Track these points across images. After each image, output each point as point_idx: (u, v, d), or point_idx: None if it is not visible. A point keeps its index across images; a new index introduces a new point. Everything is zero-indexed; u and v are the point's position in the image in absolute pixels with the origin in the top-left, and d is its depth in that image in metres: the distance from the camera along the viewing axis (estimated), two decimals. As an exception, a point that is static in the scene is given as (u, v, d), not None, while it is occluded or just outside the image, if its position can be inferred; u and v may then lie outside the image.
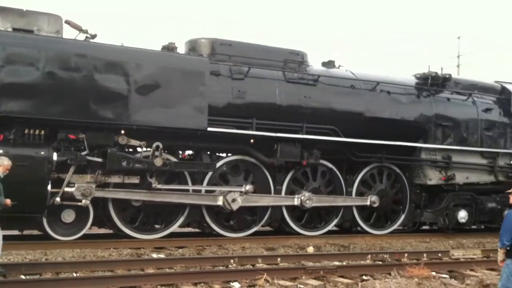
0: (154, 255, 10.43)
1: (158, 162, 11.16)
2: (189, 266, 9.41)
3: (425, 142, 14.47)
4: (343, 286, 8.53)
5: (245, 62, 12.54)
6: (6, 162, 8.41)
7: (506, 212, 6.92)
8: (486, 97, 15.75)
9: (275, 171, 12.93)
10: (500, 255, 6.81)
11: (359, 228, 14.10)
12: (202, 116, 11.59)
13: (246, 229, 12.71)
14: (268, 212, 12.86)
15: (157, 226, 12.14)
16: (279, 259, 10.22)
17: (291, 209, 13.14)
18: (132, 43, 11.72)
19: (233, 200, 12.01)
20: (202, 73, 11.74)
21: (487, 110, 15.47)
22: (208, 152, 12.50)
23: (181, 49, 12.64)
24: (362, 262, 10.72)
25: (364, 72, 14.41)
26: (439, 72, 15.16)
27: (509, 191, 7.07)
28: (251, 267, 9.65)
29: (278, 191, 12.92)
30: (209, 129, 11.65)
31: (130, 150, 11.76)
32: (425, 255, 11.43)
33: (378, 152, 13.86)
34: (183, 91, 11.44)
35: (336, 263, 10.25)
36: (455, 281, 9.20)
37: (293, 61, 13.29)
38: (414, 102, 14.52)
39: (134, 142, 11.25)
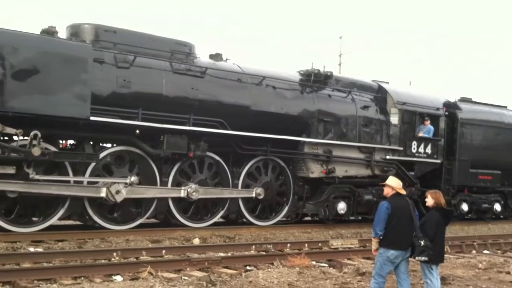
0: (31, 249, 9.91)
1: (36, 151, 10.59)
2: (69, 260, 9.05)
3: (308, 137, 14.94)
4: (227, 276, 8.57)
5: (130, 51, 12.25)
6: None
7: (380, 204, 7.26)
8: (364, 95, 16.53)
9: (161, 163, 12.76)
10: (374, 244, 7.14)
11: (244, 220, 14.28)
12: (84, 105, 11.15)
13: (130, 222, 12.43)
14: (154, 204, 12.67)
15: (35, 218, 11.55)
16: (164, 251, 10.10)
17: (178, 201, 13.04)
18: (9, 25, 11.02)
19: (117, 192, 11.69)
20: (85, 60, 11.29)
21: (365, 107, 16.24)
22: (91, 142, 12.09)
23: (63, 34, 12.09)
24: (246, 252, 10.87)
25: (251, 66, 14.61)
26: (322, 70, 15.68)
27: (384, 183, 7.44)
28: (135, 259, 9.46)
29: (164, 183, 12.76)
30: (92, 118, 11.24)
31: (5, 138, 11.06)
32: (306, 245, 11.82)
33: (264, 145, 14.13)
34: (64, 78, 10.93)
35: (221, 254, 10.35)
36: (334, 270, 9.56)
37: (180, 52, 13.18)
38: (298, 97, 14.94)
39: (9, 130, 10.56)
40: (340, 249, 11.91)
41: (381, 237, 6.97)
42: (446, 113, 18.18)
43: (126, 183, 11.84)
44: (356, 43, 62.89)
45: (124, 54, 12.12)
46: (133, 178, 11.95)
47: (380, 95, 16.90)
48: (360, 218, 16.48)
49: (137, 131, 12.20)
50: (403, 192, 7.22)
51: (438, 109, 17.85)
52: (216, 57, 14.24)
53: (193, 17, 57.43)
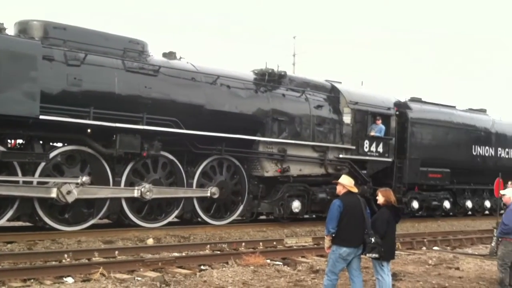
0: (-21, 252, 9.61)
1: (-17, 151, 10.28)
2: (18, 262, 8.83)
3: (262, 136, 14.97)
4: (181, 276, 8.51)
5: (81, 48, 12.04)
6: None
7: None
8: (318, 95, 16.67)
9: (114, 162, 12.57)
10: (327, 242, 7.18)
11: (199, 219, 14.21)
12: (33, 103, 10.88)
13: (82, 222, 12.21)
14: (107, 205, 12.47)
15: (-18, 220, 11.20)
16: (116, 252, 9.98)
17: (131, 201, 12.87)
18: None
19: (68, 192, 11.46)
20: (34, 57, 11.02)
21: (319, 106, 16.38)
22: (41, 142, 11.82)
23: (11, 31, 11.75)
24: (201, 252, 10.83)
25: (205, 65, 14.55)
26: (276, 69, 15.74)
27: (336, 181, 7.49)
28: (86, 261, 9.30)
29: (117, 183, 12.58)
30: (41, 117, 10.98)
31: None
32: (261, 244, 11.87)
33: (218, 145, 14.09)
34: (12, 76, 10.65)
35: (176, 254, 10.29)
36: (288, 268, 9.62)
37: (133, 50, 13.03)
38: (252, 96, 14.95)
39: (-45, 129, 10.24)
40: (295, 247, 11.99)
41: (333, 235, 7.03)
42: (397, 112, 18.55)
43: (77, 183, 11.62)
44: (310, 43, 63.71)
45: (75, 51, 11.90)
46: (85, 178, 11.75)
47: (333, 94, 17.08)
48: (314, 216, 16.61)
49: (89, 130, 11.98)
50: (355, 190, 7.30)
51: (389, 108, 18.19)
52: (170, 55, 14.12)
53: (193, 17, 57.37)
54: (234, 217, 14.90)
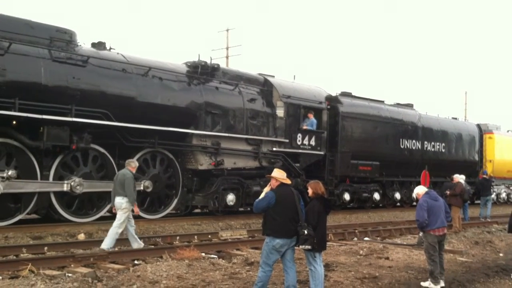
0: None
1: None
2: None
3: (196, 129, 14.84)
4: (114, 272, 8.32)
5: (5, 37, 11.54)
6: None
7: None
8: (251, 88, 16.70)
9: (41, 156, 12.12)
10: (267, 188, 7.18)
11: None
12: (-46, 93, 10.34)
13: (9, 218, 11.74)
14: (35, 199, 12.01)
15: None
16: (46, 248, 9.67)
17: (60, 195, 12.46)
18: None
19: (-7, 187, 10.98)
20: (-46, 45, 10.46)
21: (252, 100, 16.42)
22: (-40, 134, 11.25)
23: None
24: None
25: (136, 56, 14.28)
26: (209, 62, 15.63)
27: (269, 176, 7.51)
28: (14, 257, 8.98)
29: (45, 177, 12.14)
30: (-38, 108, 10.46)
31: None
32: (196, 237, 11.79)
33: (151, 138, 13.85)
34: None
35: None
36: (223, 261, 9.59)
37: (60, 39, 12.60)
38: (185, 89, 14.78)
39: None
40: (229, 240, 11.99)
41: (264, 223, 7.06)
42: (328, 106, 18.85)
43: (3, 177, 11.17)
44: (244, 36, 63.96)
45: (-2, 40, 11.38)
46: (11, 172, 11.31)
47: (266, 88, 17.15)
48: (249, 209, 16.61)
49: (14, 122, 11.50)
50: (288, 182, 7.34)
51: (321, 102, 18.46)
52: (99, 45, 13.74)
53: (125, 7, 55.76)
54: (168, 210, 14.72)
